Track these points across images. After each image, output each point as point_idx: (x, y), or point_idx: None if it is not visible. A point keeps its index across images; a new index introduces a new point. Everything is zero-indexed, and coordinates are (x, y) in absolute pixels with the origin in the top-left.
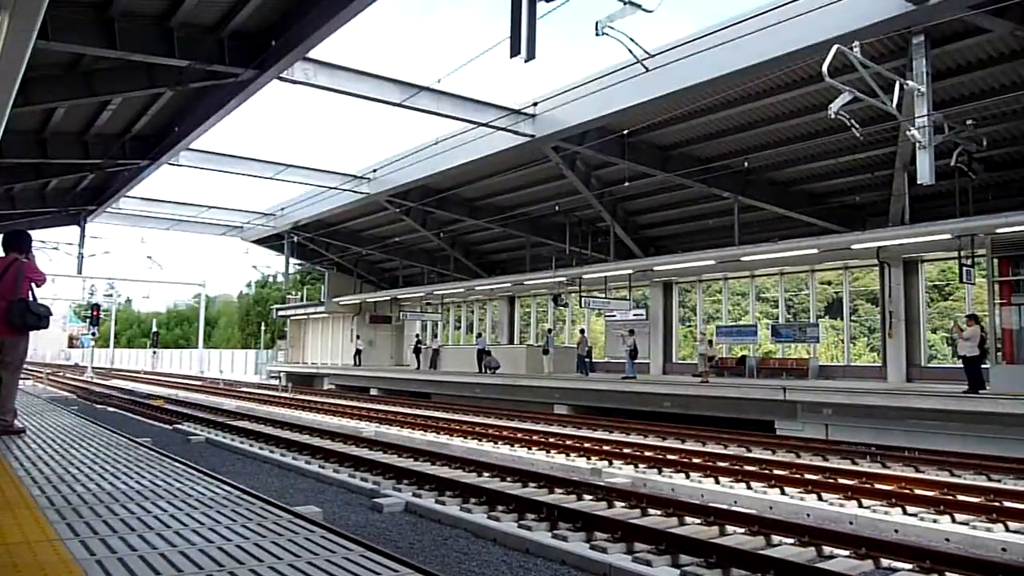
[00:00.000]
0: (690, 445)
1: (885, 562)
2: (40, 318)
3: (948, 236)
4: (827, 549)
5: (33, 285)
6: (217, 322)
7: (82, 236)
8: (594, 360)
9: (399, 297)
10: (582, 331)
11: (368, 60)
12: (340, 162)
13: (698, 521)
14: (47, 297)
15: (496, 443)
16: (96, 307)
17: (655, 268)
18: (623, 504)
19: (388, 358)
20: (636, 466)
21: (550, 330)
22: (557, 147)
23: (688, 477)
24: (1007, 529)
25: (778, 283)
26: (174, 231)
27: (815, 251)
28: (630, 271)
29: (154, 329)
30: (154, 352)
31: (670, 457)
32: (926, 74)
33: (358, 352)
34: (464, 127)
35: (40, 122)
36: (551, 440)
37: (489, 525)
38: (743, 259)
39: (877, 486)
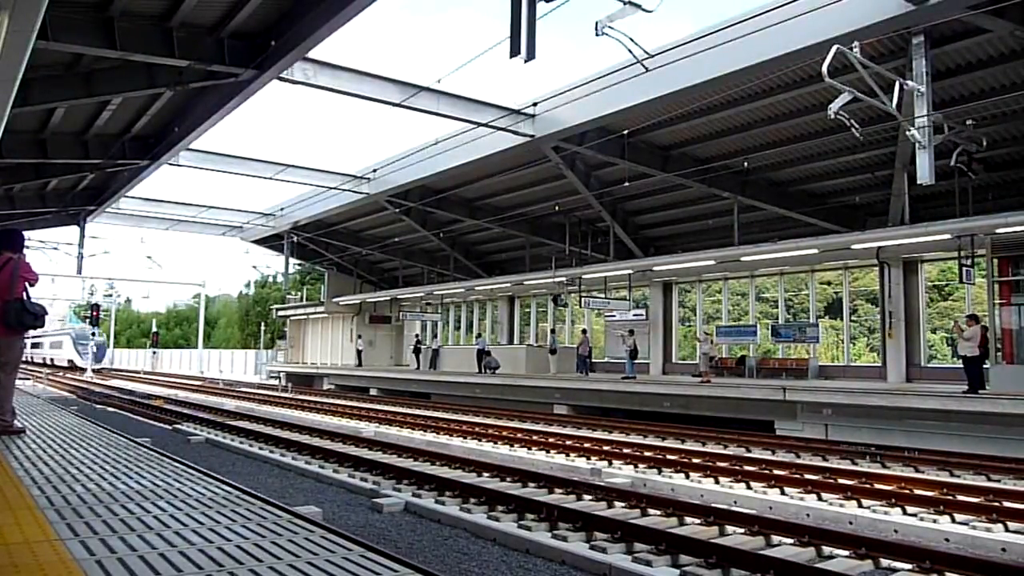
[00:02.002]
0: (690, 445)
1: (885, 562)
2: (36, 317)
3: (948, 236)
4: (827, 549)
5: (27, 284)
6: (217, 322)
7: (82, 236)
8: (594, 360)
9: (399, 297)
10: (584, 331)
11: (368, 60)
12: (340, 162)
13: (698, 521)
14: (46, 297)
15: (496, 443)
16: (96, 307)
17: (655, 268)
18: (623, 504)
19: (388, 358)
20: (636, 466)
21: (552, 330)
22: (557, 147)
23: (688, 477)
24: (1007, 529)
25: (778, 283)
26: (174, 231)
27: (815, 251)
28: (630, 271)
29: (154, 329)
30: (154, 352)
31: (670, 457)
32: (926, 74)
33: (359, 352)
34: (464, 127)
35: (40, 122)
36: (551, 440)
37: (489, 525)
38: (743, 259)
39: (877, 486)
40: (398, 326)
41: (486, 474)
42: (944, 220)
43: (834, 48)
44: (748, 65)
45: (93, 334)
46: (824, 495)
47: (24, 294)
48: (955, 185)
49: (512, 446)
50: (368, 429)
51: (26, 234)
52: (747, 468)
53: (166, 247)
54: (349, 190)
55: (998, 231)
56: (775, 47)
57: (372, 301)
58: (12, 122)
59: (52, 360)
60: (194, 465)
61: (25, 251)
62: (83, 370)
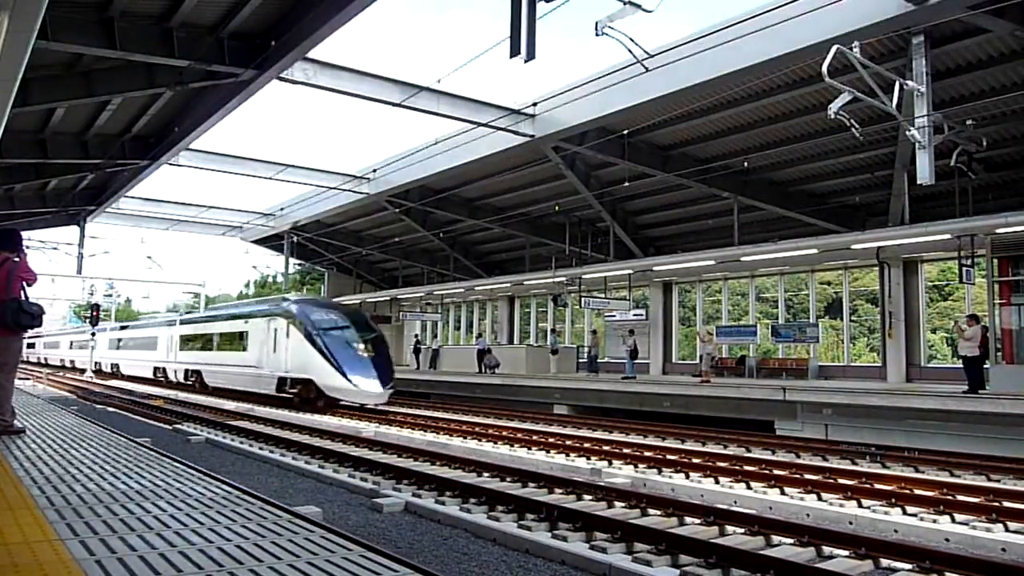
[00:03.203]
0: (690, 445)
1: (885, 562)
2: (33, 317)
3: (948, 236)
4: (827, 549)
5: (25, 284)
6: None
7: (82, 236)
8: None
9: (399, 297)
10: (594, 332)
11: (368, 60)
12: (340, 162)
13: (698, 521)
14: (46, 297)
15: (496, 443)
16: (96, 307)
17: (655, 268)
18: (623, 504)
19: None
20: (636, 466)
21: (553, 330)
22: (557, 147)
23: (688, 477)
24: (1007, 529)
25: (778, 283)
26: (174, 231)
27: (815, 251)
28: (630, 271)
29: None
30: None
31: (670, 457)
32: (926, 74)
33: None
34: (464, 127)
35: (40, 122)
36: (551, 440)
37: (489, 525)
38: (743, 259)
39: (877, 486)
40: (398, 326)
41: (486, 474)
42: (944, 220)
43: (834, 48)
44: (748, 65)
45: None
46: (824, 495)
47: (22, 294)
48: (955, 185)
49: (512, 446)
50: (368, 429)
51: (26, 234)
52: (747, 468)
53: (166, 247)
54: (349, 190)
55: (998, 231)
56: (775, 47)
57: (372, 301)
58: (12, 122)
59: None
60: (194, 465)
61: (27, 251)
62: (83, 369)
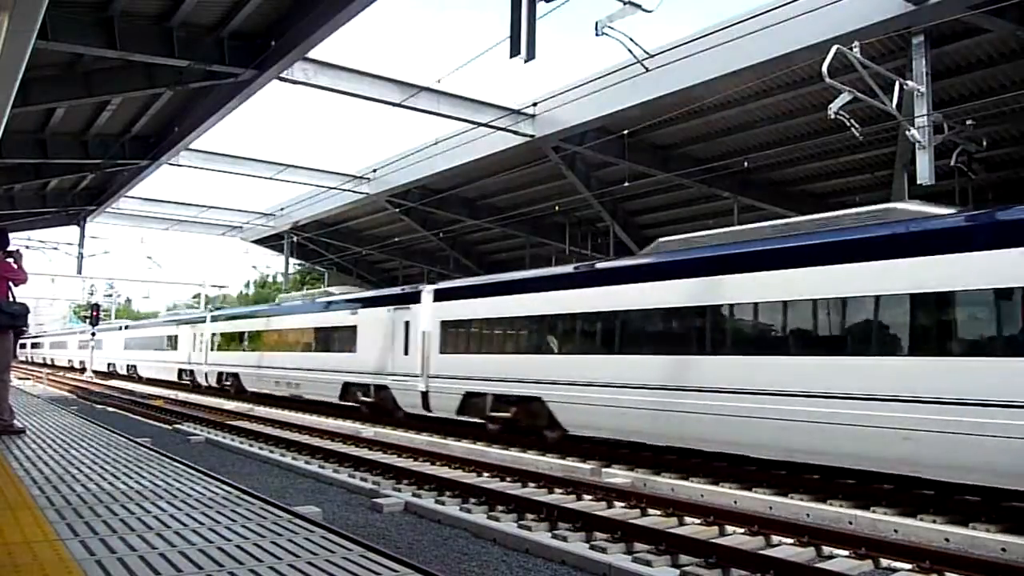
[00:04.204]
0: None
1: (885, 562)
2: (14, 317)
3: None
4: (827, 549)
5: (12, 284)
6: None
7: (82, 236)
8: None
9: None
10: None
11: (368, 60)
12: (340, 162)
13: (698, 521)
14: (45, 297)
15: (495, 443)
16: (96, 307)
17: None
18: (623, 504)
19: None
20: (635, 467)
21: None
22: (557, 147)
23: (688, 477)
24: (1007, 529)
25: None
26: (174, 231)
27: None
28: None
29: None
30: None
31: (669, 457)
32: (926, 74)
33: None
34: (464, 127)
35: (40, 122)
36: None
37: (489, 525)
38: None
39: (876, 485)
40: None
41: (486, 474)
42: None
43: (834, 48)
44: (748, 65)
45: None
46: (824, 495)
47: (9, 294)
48: (955, 185)
49: (511, 446)
50: (368, 429)
51: (26, 234)
52: (747, 468)
53: (166, 247)
54: (349, 190)
55: None
56: (775, 47)
57: None
58: (12, 122)
59: None
60: (194, 465)
61: (25, 250)
62: (84, 369)
